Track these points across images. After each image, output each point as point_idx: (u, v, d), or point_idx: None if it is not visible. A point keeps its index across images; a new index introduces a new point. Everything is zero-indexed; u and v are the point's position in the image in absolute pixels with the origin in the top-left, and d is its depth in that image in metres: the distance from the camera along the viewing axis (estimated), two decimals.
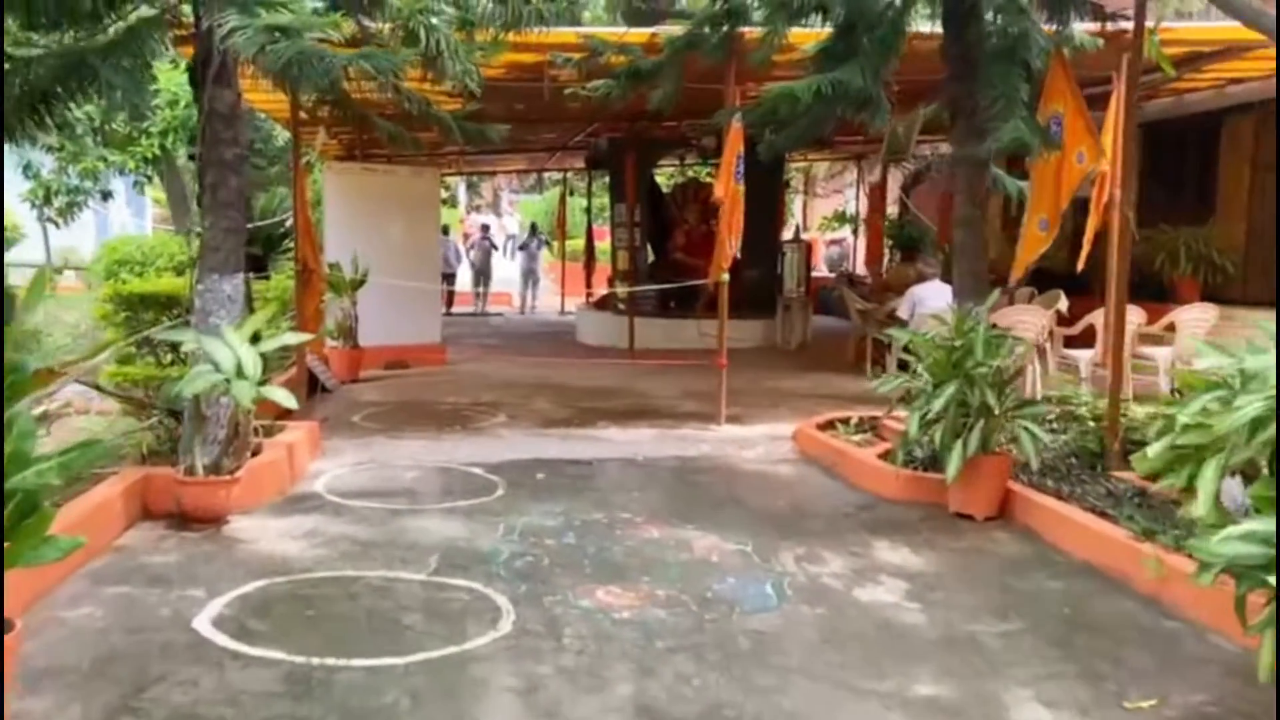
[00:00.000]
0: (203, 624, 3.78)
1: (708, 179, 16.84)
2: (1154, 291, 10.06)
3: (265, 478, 5.55)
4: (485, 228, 20.07)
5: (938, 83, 7.41)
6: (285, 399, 4.76)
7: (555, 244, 21.68)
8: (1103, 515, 5.01)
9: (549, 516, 5.33)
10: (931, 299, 8.92)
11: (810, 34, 6.78)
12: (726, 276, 7.76)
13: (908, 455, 5.69)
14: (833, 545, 4.89)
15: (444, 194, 23.18)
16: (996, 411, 5.13)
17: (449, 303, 16.98)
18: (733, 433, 7.69)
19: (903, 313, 9.06)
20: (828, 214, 21.32)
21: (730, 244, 7.65)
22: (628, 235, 12.78)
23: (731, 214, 7.61)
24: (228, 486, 4.90)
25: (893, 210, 22.43)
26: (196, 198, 5.77)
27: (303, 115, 10.78)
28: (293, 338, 5.81)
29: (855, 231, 21.94)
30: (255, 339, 5.23)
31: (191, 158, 10.13)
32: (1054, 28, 5.61)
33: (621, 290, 12.71)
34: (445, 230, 19.03)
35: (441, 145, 14.47)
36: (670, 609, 4.02)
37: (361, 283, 10.32)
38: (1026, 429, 5.20)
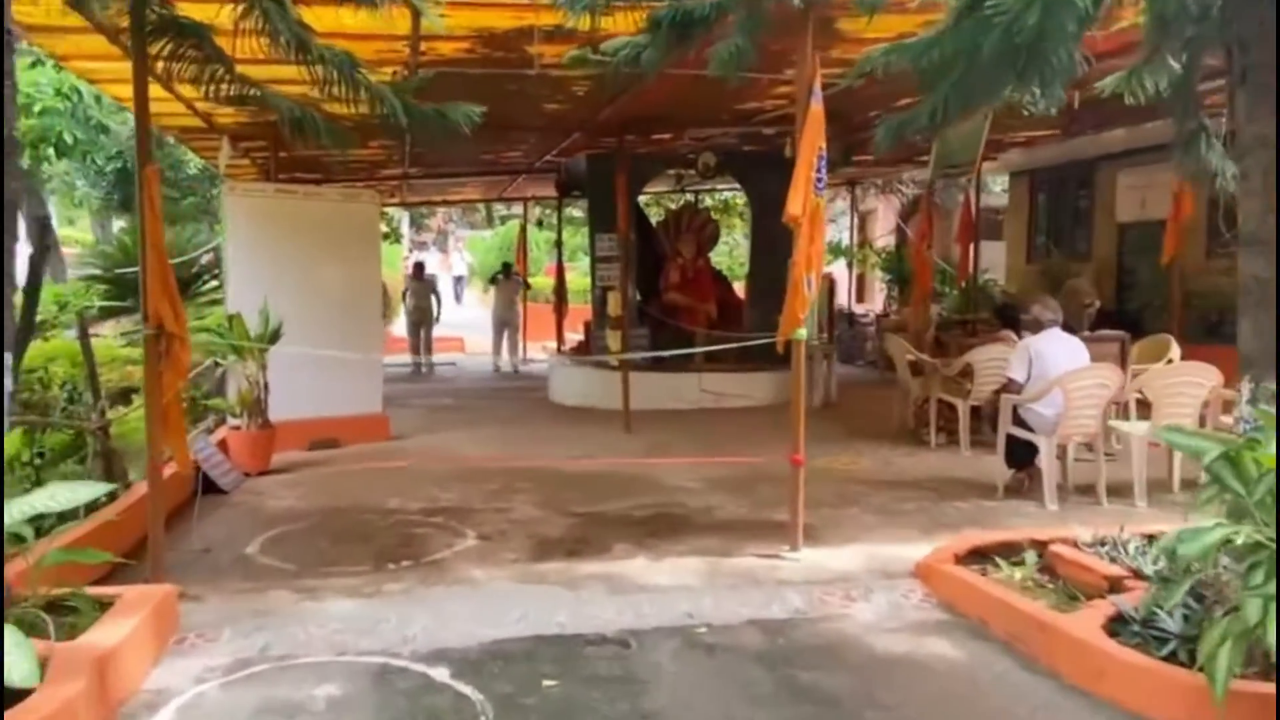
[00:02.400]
0: None
1: (685, 204, 14.52)
2: (1229, 335, 7.66)
3: None
4: (420, 266, 16.64)
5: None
6: (22, 674, 2.11)
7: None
8: None
9: None
10: (1059, 356, 6.55)
11: None
12: (804, 333, 5.27)
13: (1180, 649, 3.21)
14: None
15: (384, 228, 20.30)
16: None
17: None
18: (819, 562, 5.18)
19: (1015, 373, 6.64)
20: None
21: (809, 283, 5.18)
22: (618, 272, 10.20)
23: (811, 239, 5.14)
24: None
25: (886, 241, 20.42)
26: None
27: (199, 118, 8.24)
28: (75, 493, 3.04)
29: (850, 265, 19.84)
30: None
31: None
32: None
33: (613, 343, 10.12)
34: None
35: (382, 164, 11.91)
36: None
37: (273, 340, 7.67)
38: None
